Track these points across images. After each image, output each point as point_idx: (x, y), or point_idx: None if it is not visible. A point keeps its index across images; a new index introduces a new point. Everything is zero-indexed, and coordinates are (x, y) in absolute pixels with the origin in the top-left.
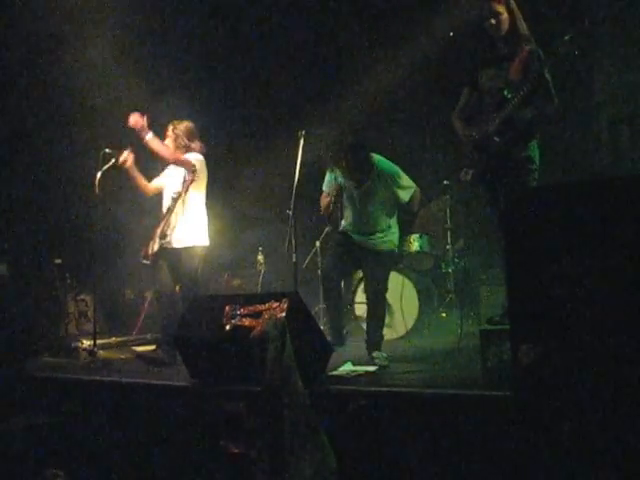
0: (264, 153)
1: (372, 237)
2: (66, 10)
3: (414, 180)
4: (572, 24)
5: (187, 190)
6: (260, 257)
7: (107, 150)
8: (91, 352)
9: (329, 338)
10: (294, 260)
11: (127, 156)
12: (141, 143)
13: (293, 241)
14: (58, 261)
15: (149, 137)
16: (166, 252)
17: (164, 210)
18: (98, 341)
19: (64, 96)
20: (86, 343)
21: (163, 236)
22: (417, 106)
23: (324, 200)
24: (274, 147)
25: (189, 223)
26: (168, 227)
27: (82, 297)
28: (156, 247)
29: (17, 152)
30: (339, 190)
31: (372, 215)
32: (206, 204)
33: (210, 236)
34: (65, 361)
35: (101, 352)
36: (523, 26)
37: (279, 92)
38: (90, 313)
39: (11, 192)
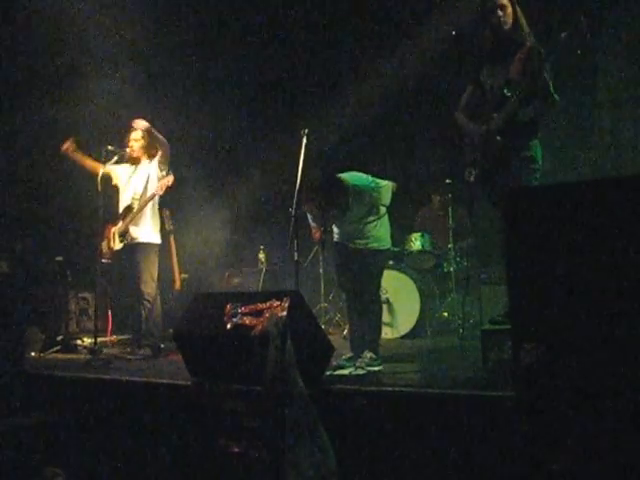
0: (266, 151)
1: (361, 239)
2: (64, 12)
3: (387, 177)
4: (570, 22)
5: (163, 192)
6: (261, 255)
7: (109, 147)
8: (92, 350)
9: (350, 349)
10: (296, 259)
11: (69, 144)
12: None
13: (295, 240)
14: (59, 258)
15: None
16: (129, 248)
17: (121, 208)
18: (99, 339)
19: (64, 94)
20: (87, 341)
21: (125, 234)
22: (420, 103)
23: (315, 235)
24: (277, 145)
25: (153, 220)
26: (133, 225)
27: (83, 295)
28: (118, 246)
29: (17, 150)
30: (325, 218)
31: (359, 222)
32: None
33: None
34: (66, 359)
35: (102, 350)
36: (524, 21)
37: (282, 90)
38: (91, 311)
39: (12, 189)
